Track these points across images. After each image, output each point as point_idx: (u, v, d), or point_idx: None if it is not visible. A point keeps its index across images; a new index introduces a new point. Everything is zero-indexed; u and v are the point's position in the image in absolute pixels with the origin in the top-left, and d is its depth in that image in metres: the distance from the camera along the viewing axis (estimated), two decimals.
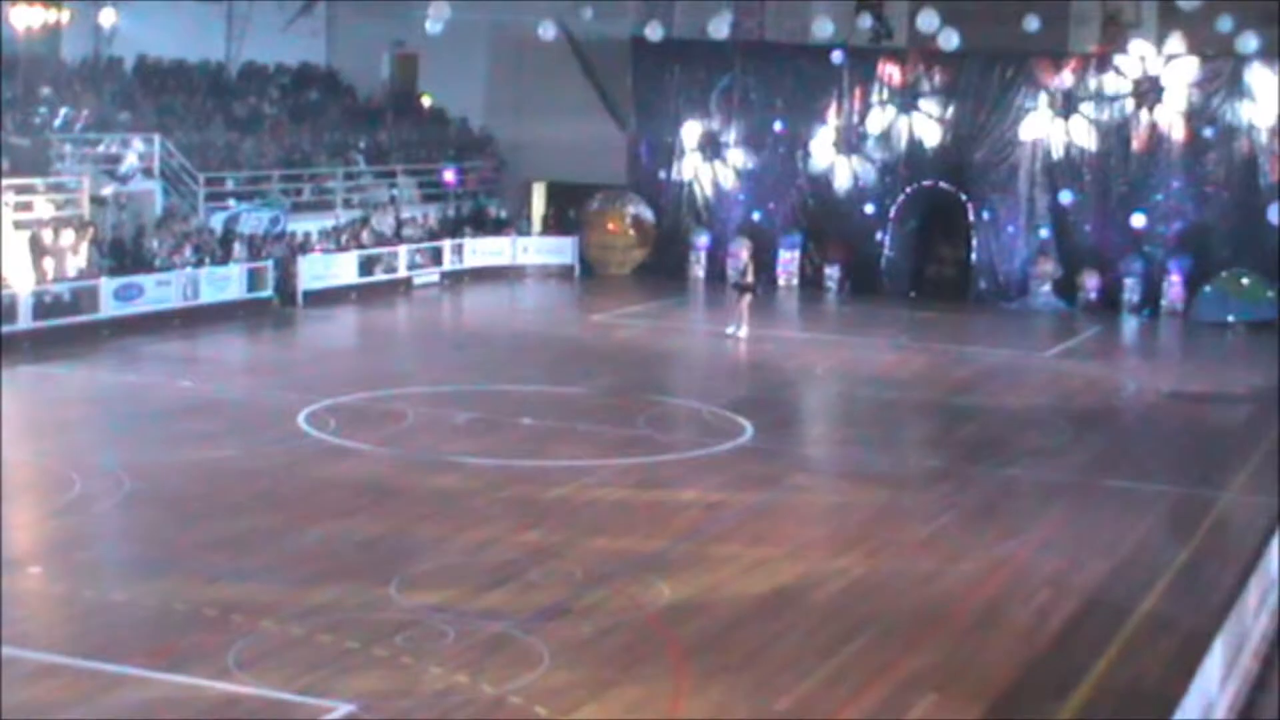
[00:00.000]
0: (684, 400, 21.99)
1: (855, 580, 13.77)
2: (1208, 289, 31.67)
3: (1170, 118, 32.36)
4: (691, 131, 36.31)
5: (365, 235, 32.74)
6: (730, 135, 36.10)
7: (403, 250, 33.19)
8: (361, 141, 35.72)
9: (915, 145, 34.21)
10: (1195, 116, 32.16)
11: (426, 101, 39.04)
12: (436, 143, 37.65)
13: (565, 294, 35.07)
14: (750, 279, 28.63)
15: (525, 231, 37.06)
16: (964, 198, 33.79)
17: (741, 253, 29.23)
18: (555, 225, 37.21)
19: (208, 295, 28.06)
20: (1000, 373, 25.64)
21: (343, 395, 21.20)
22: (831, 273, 34.98)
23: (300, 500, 15.85)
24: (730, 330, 27.77)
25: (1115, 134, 32.80)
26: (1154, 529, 15.90)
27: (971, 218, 33.74)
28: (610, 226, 36.58)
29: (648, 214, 36.75)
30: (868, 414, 21.84)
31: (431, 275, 33.86)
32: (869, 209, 34.75)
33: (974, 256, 33.91)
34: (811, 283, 35.12)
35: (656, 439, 19.37)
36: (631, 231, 36.70)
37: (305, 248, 31.00)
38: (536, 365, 25.01)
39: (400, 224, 34.08)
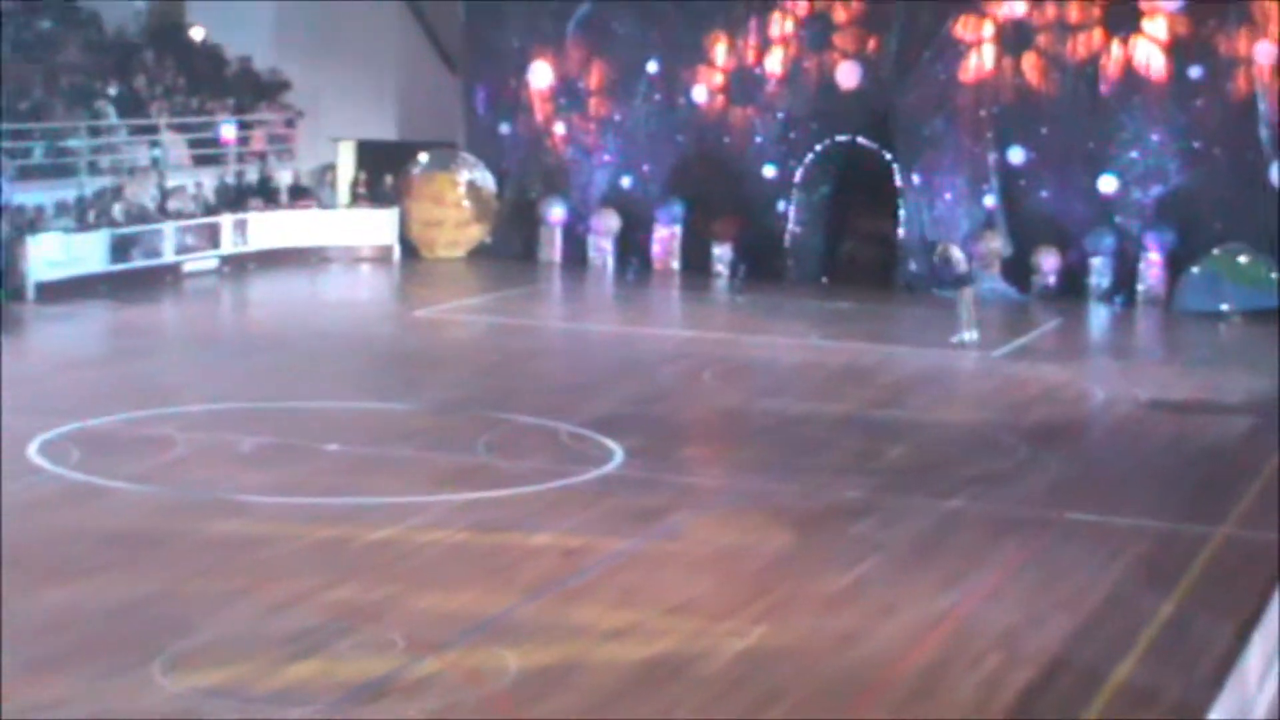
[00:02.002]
0: (535, 418, 21.95)
1: (755, 645, 13.83)
2: (1195, 270, 32.29)
3: (1148, 54, 32.95)
4: (541, 75, 36.31)
5: (118, 210, 32.33)
6: (591, 79, 36.17)
7: (169, 229, 32.85)
8: (112, 87, 35.24)
9: (827, 91, 34.52)
10: (1180, 52, 32.76)
11: (197, 36, 38.62)
12: (211, 90, 37.27)
13: (381, 283, 34.86)
14: (965, 268, 28.49)
15: (329, 204, 36.83)
16: (889, 157, 34.17)
17: (952, 249, 28.92)
18: (368, 196, 37.03)
19: None
20: (936, 378, 25.92)
21: (89, 418, 20.89)
22: (722, 254, 35.18)
23: (32, 556, 15.56)
24: (966, 337, 27.83)
25: (1079, 75, 33.35)
26: (1130, 575, 16.14)
27: (899, 182, 34.13)
28: (438, 197, 36.47)
29: (486, 180, 36.71)
30: (769, 432, 21.94)
31: (207, 260, 33.56)
32: (769, 172, 35.02)
33: (902, 231, 34.32)
34: (696, 266, 35.28)
35: (500, 468, 19.33)
36: (466, 203, 36.65)
37: (37, 226, 30.54)
38: (345, 375, 24.84)
39: (165, 195, 33.69)
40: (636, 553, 16.39)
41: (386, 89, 37.64)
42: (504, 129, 36.93)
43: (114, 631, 13.72)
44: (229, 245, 34.10)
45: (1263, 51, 32.18)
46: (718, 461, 21.17)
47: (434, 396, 23.30)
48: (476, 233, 36.87)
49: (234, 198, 35.22)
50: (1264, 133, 32.26)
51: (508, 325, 29.88)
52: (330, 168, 38.09)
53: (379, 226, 36.46)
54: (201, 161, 35.86)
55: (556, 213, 36.26)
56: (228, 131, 36.43)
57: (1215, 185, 32.64)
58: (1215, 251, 32.23)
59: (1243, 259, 32.00)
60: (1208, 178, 32.78)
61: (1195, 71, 32.65)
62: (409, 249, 36.51)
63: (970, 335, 27.84)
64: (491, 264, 36.12)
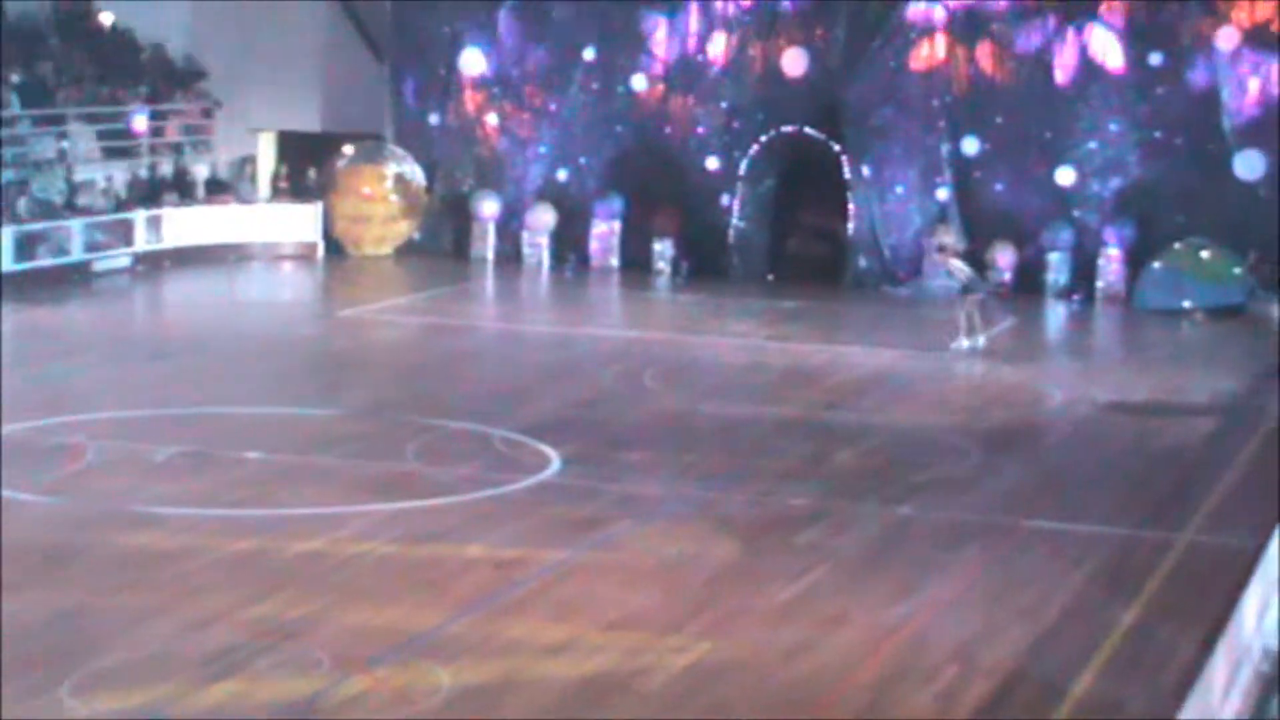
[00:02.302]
0: (467, 423, 21.92)
1: (698, 661, 13.83)
2: (1156, 266, 32.50)
3: (1106, 40, 33.14)
4: (473, 63, 36.26)
5: (23, 205, 32.13)
6: (525, 68, 36.13)
7: (77, 225, 32.64)
8: (15, 75, 35.00)
9: (772, 79, 34.58)
10: (1139, 38, 32.96)
11: (107, 20, 38.40)
12: (122, 78, 37.06)
13: (304, 282, 34.74)
14: (966, 276, 28.22)
15: (249, 198, 36.68)
16: (837, 148, 34.25)
17: (952, 261, 28.58)
18: (290, 190, 36.90)
19: None
20: (887, 379, 26.00)
21: None
22: (663, 250, 35.21)
23: None
24: (965, 344, 27.64)
25: (1035, 63, 33.51)
26: (1091, 583, 16.23)
27: (848, 175, 34.22)
28: (365, 191, 36.39)
29: (415, 173, 36.63)
30: (713, 437, 21.98)
31: (119, 259, 33.39)
32: (712, 164, 35.06)
33: (851, 226, 34.40)
34: (636, 263, 35.30)
35: (431, 476, 19.30)
36: (393, 197, 36.57)
37: None
38: (267, 379, 24.76)
39: (73, 189, 33.49)
40: (575, 564, 16.38)
41: (309, 77, 37.49)
42: (434, 120, 36.85)
43: (21, 652, 13.57)
44: (142, 243, 33.92)
45: (1225, 37, 32.40)
46: (659, 468, 21.14)
47: (360, 401, 23.23)
48: (405, 228, 36.79)
49: (147, 192, 35.02)
50: (1227, 122, 32.49)
51: (438, 326, 29.82)
52: (250, 160, 37.94)
53: (302, 222, 36.34)
54: (112, 154, 35.64)
55: (489, 207, 36.20)
56: (140, 122, 36.22)
57: (1177, 177, 32.86)
58: (1177, 246, 32.44)
59: (1205, 254, 32.21)
60: (1169, 169, 32.99)
61: (1155, 59, 32.83)
62: (334, 246, 36.40)
63: (971, 342, 27.70)
64: (421, 261, 36.03)
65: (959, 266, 28.44)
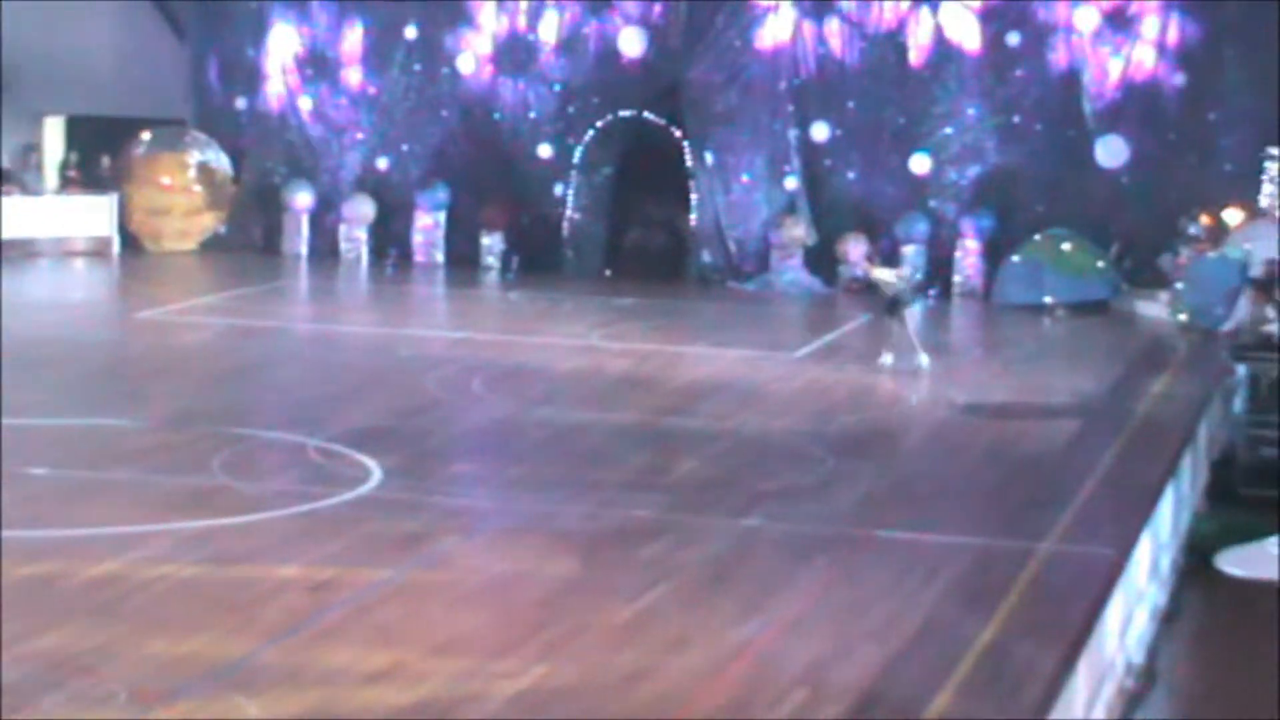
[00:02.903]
0: (279, 433, 21.82)
1: (533, 685, 13.85)
2: (1016, 259, 32.94)
3: (961, 18, 33.56)
4: (284, 41, 36.07)
5: None
6: (342, 46, 36.01)
7: None
8: None
9: (608, 60, 34.70)
10: (995, 16, 33.42)
11: None
12: None
13: (99, 280, 34.36)
14: (895, 289, 27.52)
15: (34, 189, 36.26)
16: (679, 134, 34.42)
17: (876, 274, 27.66)
18: (81, 180, 36.54)
19: None
20: (732, 382, 26.14)
21: None
22: (491, 244, 35.24)
23: None
24: (924, 360, 27.11)
25: (887, 43, 33.87)
26: (947, 597, 16.40)
27: (690, 163, 34.39)
28: (165, 181, 36.13)
29: (220, 162, 36.40)
30: (546, 446, 22.00)
31: None
32: (544, 151, 35.12)
33: (694, 218, 34.59)
34: (463, 258, 35.28)
35: (239, 491, 19.16)
36: (197, 187, 36.35)
37: None
38: (56, 387, 24.46)
39: None
40: (397, 584, 16.32)
41: (102, 57, 37.10)
42: (241, 104, 36.65)
43: None
44: None
45: (1084, 17, 32.91)
46: (489, 480, 21.19)
47: (161, 410, 23.01)
48: (209, 221, 36.57)
49: None
50: (1088, 106, 33.01)
51: (247, 327, 29.61)
52: (35, 148, 37.54)
53: (95, 215, 36.00)
54: None
55: (302, 199, 36.06)
56: None
57: (1036, 164, 33.37)
58: (1037, 238, 32.91)
59: (1066, 246, 32.68)
60: (1028, 156, 33.49)
61: (1013, 39, 33.29)
62: (130, 241, 36.09)
63: (889, 359, 27.20)
64: (227, 257, 35.80)
65: (885, 279, 28.00)
